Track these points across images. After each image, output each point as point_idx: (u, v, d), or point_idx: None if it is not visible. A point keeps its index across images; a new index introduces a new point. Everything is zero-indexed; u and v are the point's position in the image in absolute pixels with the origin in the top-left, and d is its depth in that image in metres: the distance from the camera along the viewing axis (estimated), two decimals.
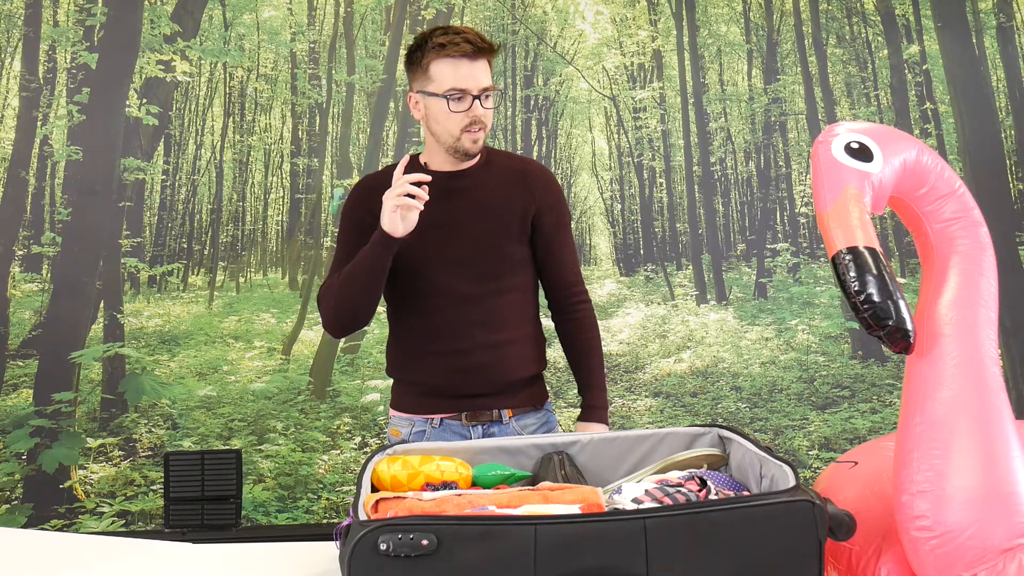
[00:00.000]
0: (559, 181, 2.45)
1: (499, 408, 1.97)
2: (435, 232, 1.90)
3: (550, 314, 2.08)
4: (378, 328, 3.90)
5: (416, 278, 1.93)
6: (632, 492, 1.38)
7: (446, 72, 1.87)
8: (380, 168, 2.15)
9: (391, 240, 1.78)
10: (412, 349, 1.98)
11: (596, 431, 1.87)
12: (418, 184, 1.76)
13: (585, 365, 2.05)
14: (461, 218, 1.93)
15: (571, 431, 1.78)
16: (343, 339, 3.93)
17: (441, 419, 1.97)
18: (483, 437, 1.95)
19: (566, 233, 2.05)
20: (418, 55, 1.90)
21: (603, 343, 2.11)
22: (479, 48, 1.86)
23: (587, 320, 2.06)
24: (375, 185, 1.95)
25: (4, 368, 3.86)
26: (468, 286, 1.93)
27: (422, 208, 1.76)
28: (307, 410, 3.93)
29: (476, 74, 1.87)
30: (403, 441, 1.93)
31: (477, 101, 1.87)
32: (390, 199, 1.76)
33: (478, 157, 1.98)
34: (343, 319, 1.93)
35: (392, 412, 2.05)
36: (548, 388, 2.10)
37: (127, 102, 4.07)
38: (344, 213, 2.01)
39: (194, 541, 1.84)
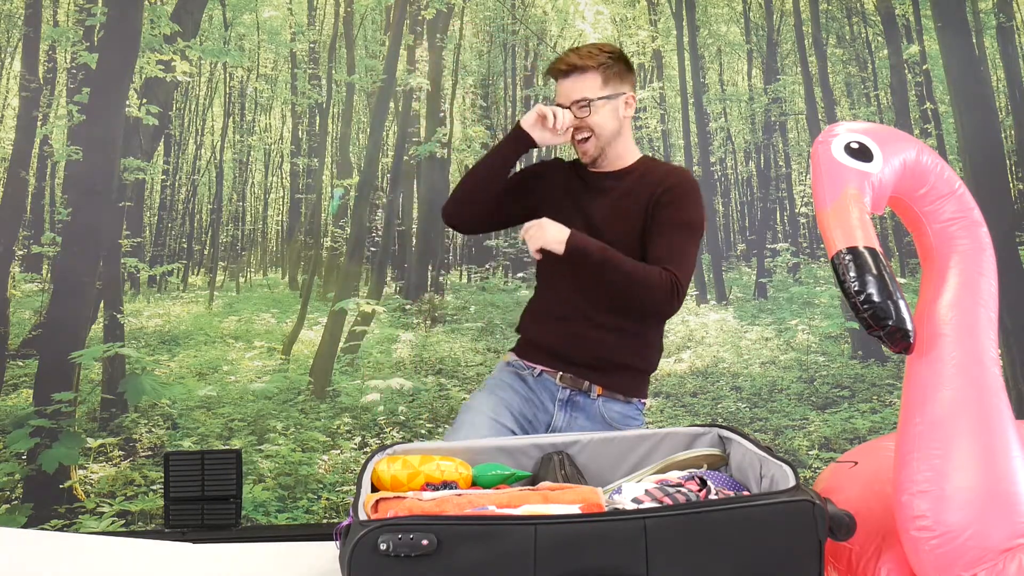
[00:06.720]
0: None
1: (591, 382, 2.14)
2: (578, 226, 2.10)
3: None
4: (378, 328, 3.89)
5: (558, 260, 2.08)
6: (632, 492, 1.38)
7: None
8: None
9: (522, 133, 2.13)
10: (536, 312, 2.26)
11: None
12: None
13: None
14: (599, 219, 2.16)
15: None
16: (343, 339, 3.94)
17: (541, 371, 2.18)
18: (569, 403, 2.15)
19: (669, 223, 2.13)
20: None
21: None
22: (571, 65, 2.16)
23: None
24: (557, 167, 2.32)
25: (4, 368, 3.85)
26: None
27: (554, 126, 2.11)
28: (307, 410, 3.92)
29: (566, 91, 2.18)
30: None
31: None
32: (542, 108, 2.11)
33: (633, 162, 2.23)
34: (463, 197, 2.24)
35: (511, 355, 2.28)
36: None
37: (127, 102, 4.07)
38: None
39: (194, 541, 1.84)
